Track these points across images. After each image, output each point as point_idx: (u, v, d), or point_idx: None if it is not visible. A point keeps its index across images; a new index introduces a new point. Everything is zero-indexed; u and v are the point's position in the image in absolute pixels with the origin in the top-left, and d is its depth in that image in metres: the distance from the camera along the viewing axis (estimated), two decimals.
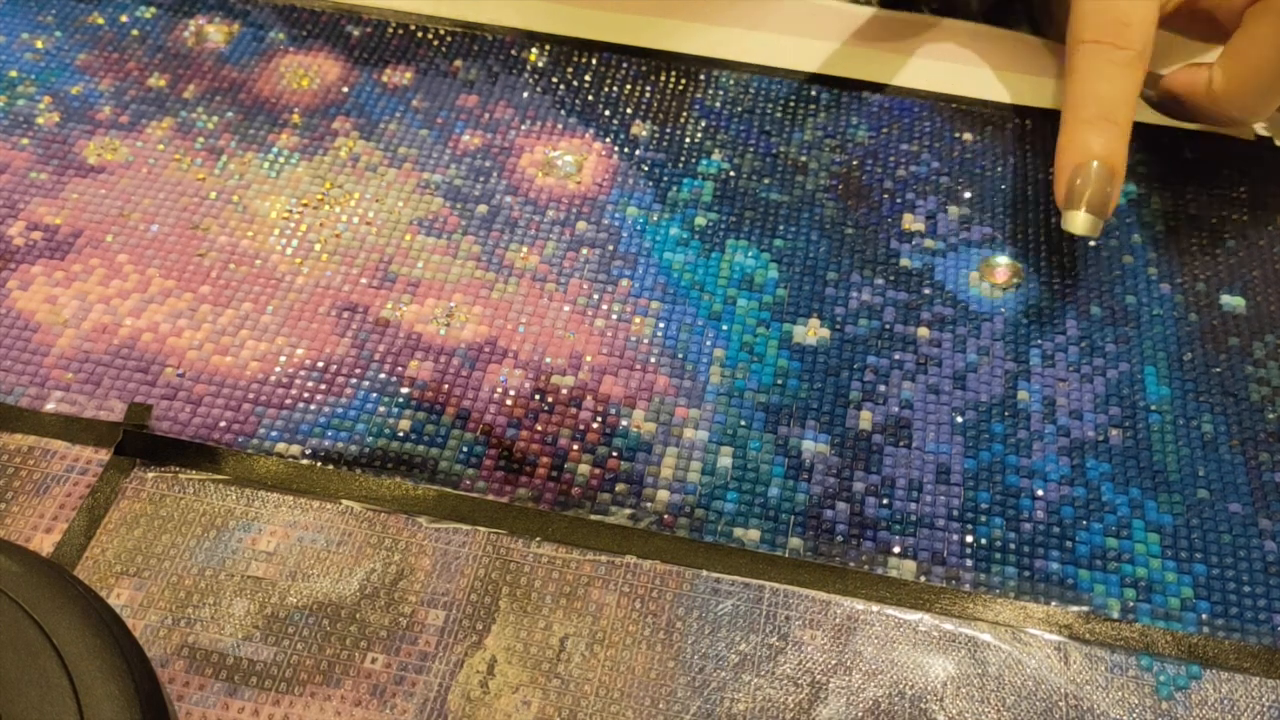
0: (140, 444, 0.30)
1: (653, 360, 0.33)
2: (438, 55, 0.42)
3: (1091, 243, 0.37)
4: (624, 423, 0.32)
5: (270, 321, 0.34)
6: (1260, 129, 0.41)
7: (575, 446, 0.31)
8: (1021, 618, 0.29)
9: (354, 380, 0.32)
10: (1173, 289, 0.36)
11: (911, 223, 0.38)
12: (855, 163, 0.39)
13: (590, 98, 0.41)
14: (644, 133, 0.40)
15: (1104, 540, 0.30)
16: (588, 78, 0.41)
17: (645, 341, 0.34)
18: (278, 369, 0.33)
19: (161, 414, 0.31)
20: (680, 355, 0.34)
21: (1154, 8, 0.36)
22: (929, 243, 0.37)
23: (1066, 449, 0.32)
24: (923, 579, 0.29)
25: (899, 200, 0.38)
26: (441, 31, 0.43)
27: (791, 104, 0.41)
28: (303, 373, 0.32)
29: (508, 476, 0.31)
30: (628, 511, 0.30)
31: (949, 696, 0.27)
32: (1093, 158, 0.34)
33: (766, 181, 0.38)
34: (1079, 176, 0.34)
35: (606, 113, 0.40)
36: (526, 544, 0.29)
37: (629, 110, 0.40)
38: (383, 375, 0.33)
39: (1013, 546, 0.30)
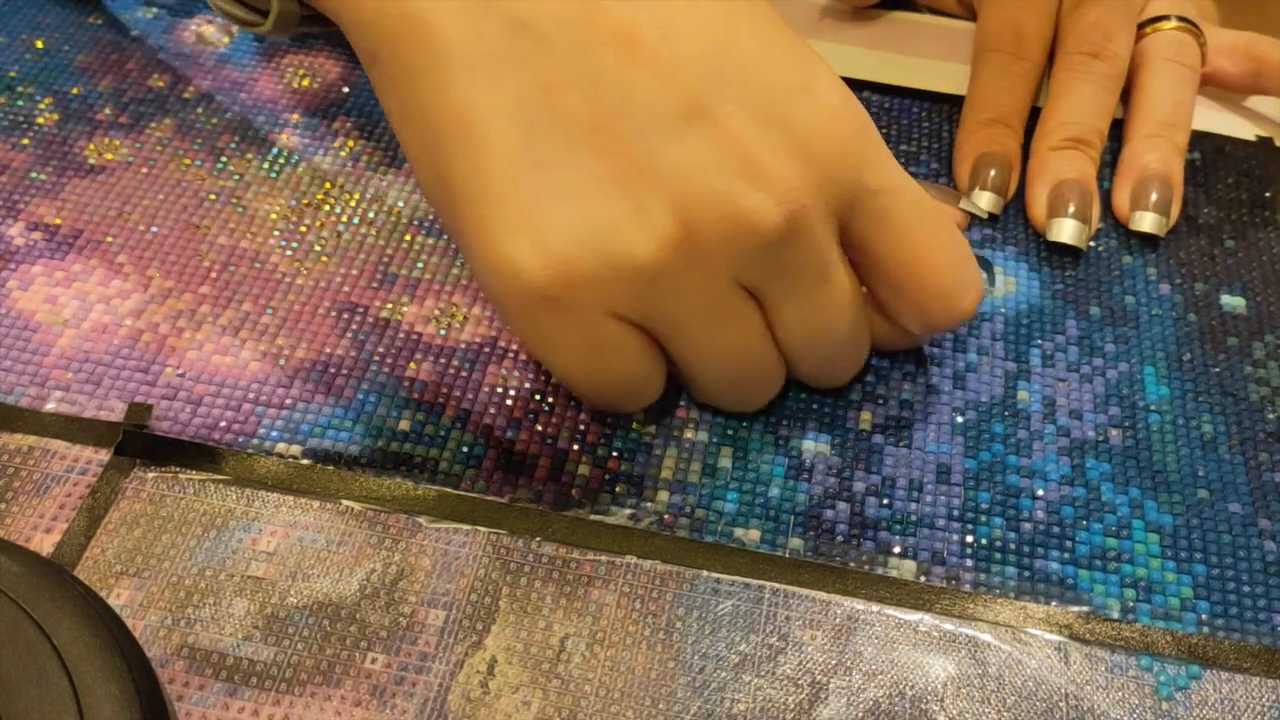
0: (140, 444, 0.30)
1: None
2: None
3: (1089, 247, 0.37)
4: (624, 423, 0.32)
5: (270, 321, 0.34)
6: (1261, 129, 0.41)
7: (575, 446, 0.31)
8: (1021, 618, 0.29)
9: (354, 380, 0.32)
10: (1172, 289, 0.36)
11: None
12: None
13: None
14: None
15: (1104, 540, 0.30)
16: None
17: None
18: (278, 369, 0.33)
19: (161, 414, 0.31)
20: None
21: (1048, 20, 0.40)
22: None
23: (1066, 449, 0.32)
24: (923, 579, 0.29)
25: None
26: None
27: None
28: (303, 373, 0.32)
29: (508, 476, 0.31)
30: (628, 511, 0.30)
31: (949, 697, 0.27)
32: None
33: None
34: (984, 166, 0.38)
35: None
36: (526, 544, 0.29)
37: None
38: (383, 375, 0.33)
39: (1013, 546, 0.30)
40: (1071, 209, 0.36)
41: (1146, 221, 0.37)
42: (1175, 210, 0.38)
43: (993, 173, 0.37)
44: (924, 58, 0.43)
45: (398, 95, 0.28)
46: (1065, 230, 0.36)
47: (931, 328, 0.31)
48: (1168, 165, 0.38)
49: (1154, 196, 0.37)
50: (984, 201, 0.37)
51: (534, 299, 0.26)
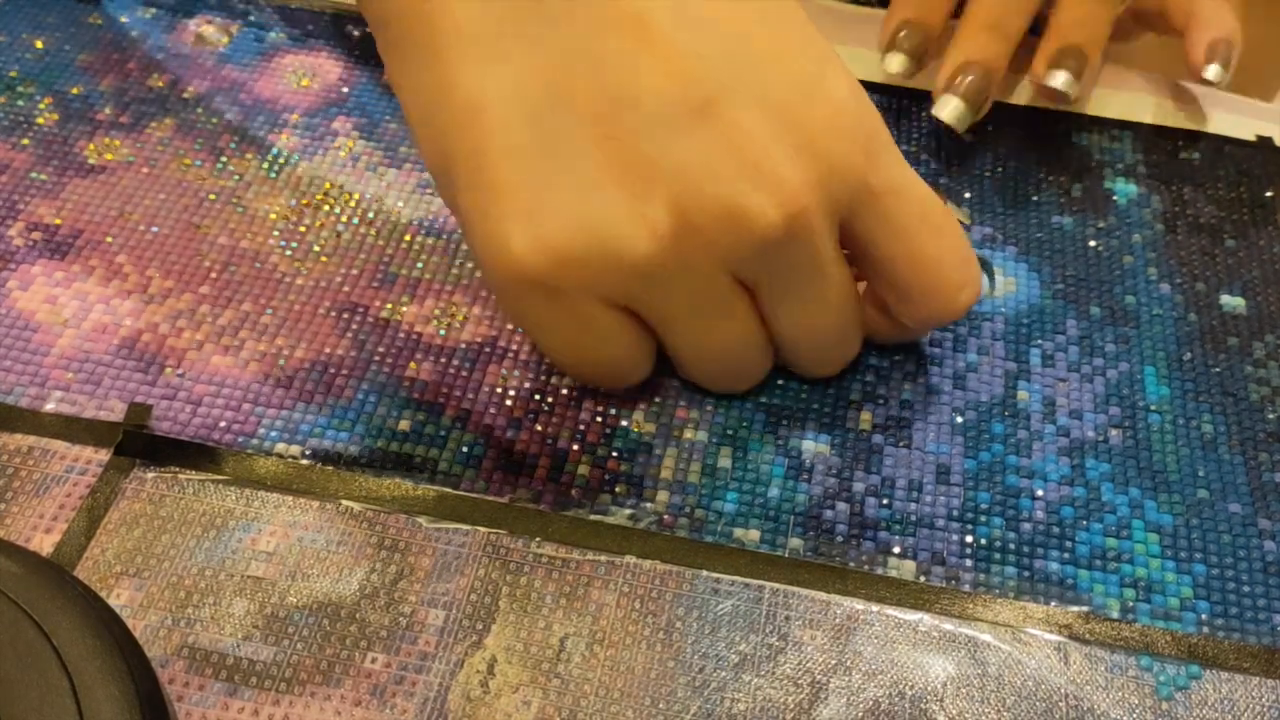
0: (140, 444, 0.30)
1: None
2: None
3: (1090, 247, 0.37)
4: (624, 423, 0.32)
5: (270, 321, 0.34)
6: (1261, 129, 0.41)
7: (575, 446, 0.31)
8: (1021, 618, 0.29)
9: (354, 380, 0.32)
10: (1172, 289, 0.36)
11: None
12: None
13: None
14: None
15: (1104, 540, 0.30)
16: None
17: None
18: (278, 369, 0.33)
19: (161, 414, 0.31)
20: None
21: None
22: None
23: (1066, 449, 0.32)
24: (923, 579, 0.29)
25: None
26: None
27: None
28: (303, 373, 0.32)
29: (508, 476, 0.31)
30: (628, 511, 0.30)
31: (949, 696, 0.27)
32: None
33: None
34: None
35: None
36: (526, 544, 0.29)
37: None
38: (383, 375, 0.33)
39: (1013, 546, 0.30)
40: (963, 89, 0.38)
41: (1059, 79, 0.39)
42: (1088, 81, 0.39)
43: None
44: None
45: (406, 69, 0.28)
46: (947, 108, 0.38)
47: (927, 324, 0.31)
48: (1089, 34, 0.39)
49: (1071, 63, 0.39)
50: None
51: (525, 283, 0.27)
